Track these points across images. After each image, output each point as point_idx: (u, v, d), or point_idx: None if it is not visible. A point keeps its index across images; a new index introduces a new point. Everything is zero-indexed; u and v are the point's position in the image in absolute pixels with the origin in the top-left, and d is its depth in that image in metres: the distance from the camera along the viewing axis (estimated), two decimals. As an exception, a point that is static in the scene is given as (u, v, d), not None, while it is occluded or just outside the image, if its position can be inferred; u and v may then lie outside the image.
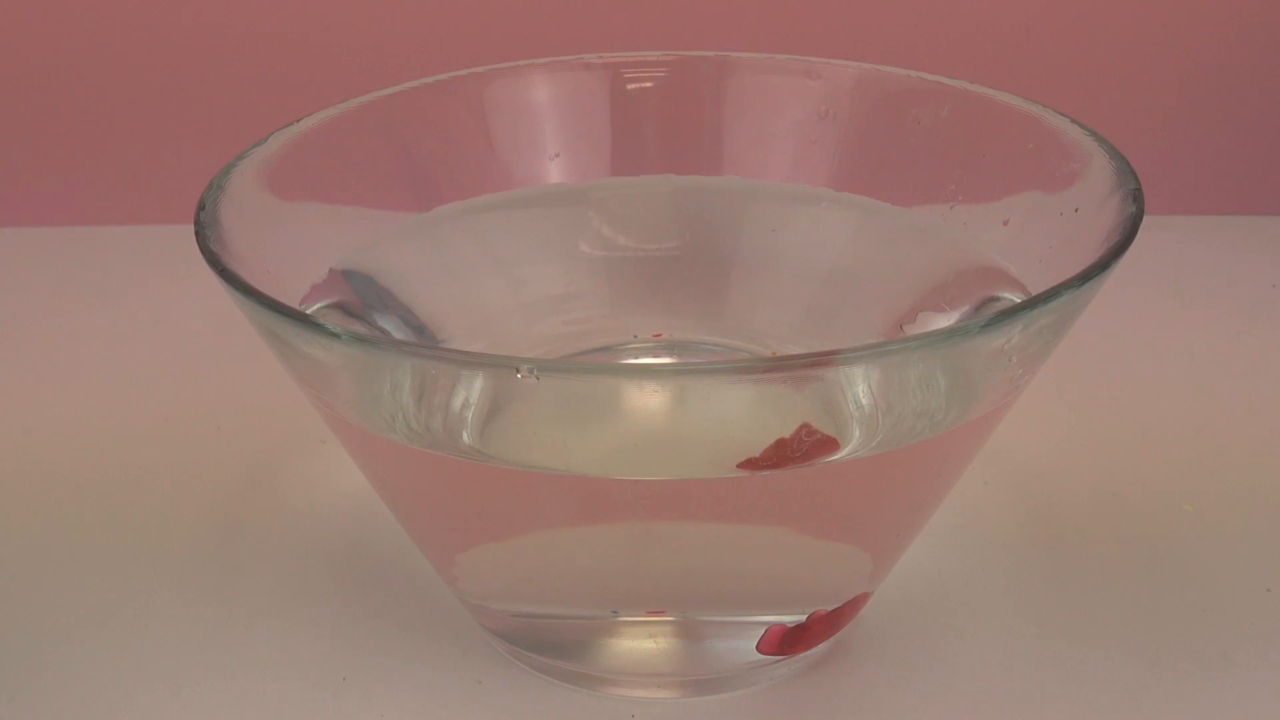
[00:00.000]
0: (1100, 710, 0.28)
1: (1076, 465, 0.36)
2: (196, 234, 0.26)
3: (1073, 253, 0.26)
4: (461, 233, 0.34)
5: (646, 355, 0.34)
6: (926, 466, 0.27)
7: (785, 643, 0.28)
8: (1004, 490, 0.35)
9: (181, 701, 0.29)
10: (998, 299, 0.30)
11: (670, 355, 0.34)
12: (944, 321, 0.31)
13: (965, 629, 0.30)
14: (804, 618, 0.28)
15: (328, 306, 0.30)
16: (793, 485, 0.26)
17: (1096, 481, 0.35)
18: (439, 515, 0.28)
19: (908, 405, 0.27)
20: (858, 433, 0.29)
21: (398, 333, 0.31)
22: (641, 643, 0.28)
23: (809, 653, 0.29)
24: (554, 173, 0.35)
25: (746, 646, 0.28)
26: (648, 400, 0.27)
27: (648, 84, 0.35)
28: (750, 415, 0.26)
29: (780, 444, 0.27)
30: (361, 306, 0.31)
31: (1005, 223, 0.31)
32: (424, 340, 0.32)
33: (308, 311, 0.29)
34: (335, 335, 0.23)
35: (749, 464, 0.25)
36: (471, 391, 0.29)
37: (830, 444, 0.28)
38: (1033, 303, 0.23)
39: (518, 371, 0.22)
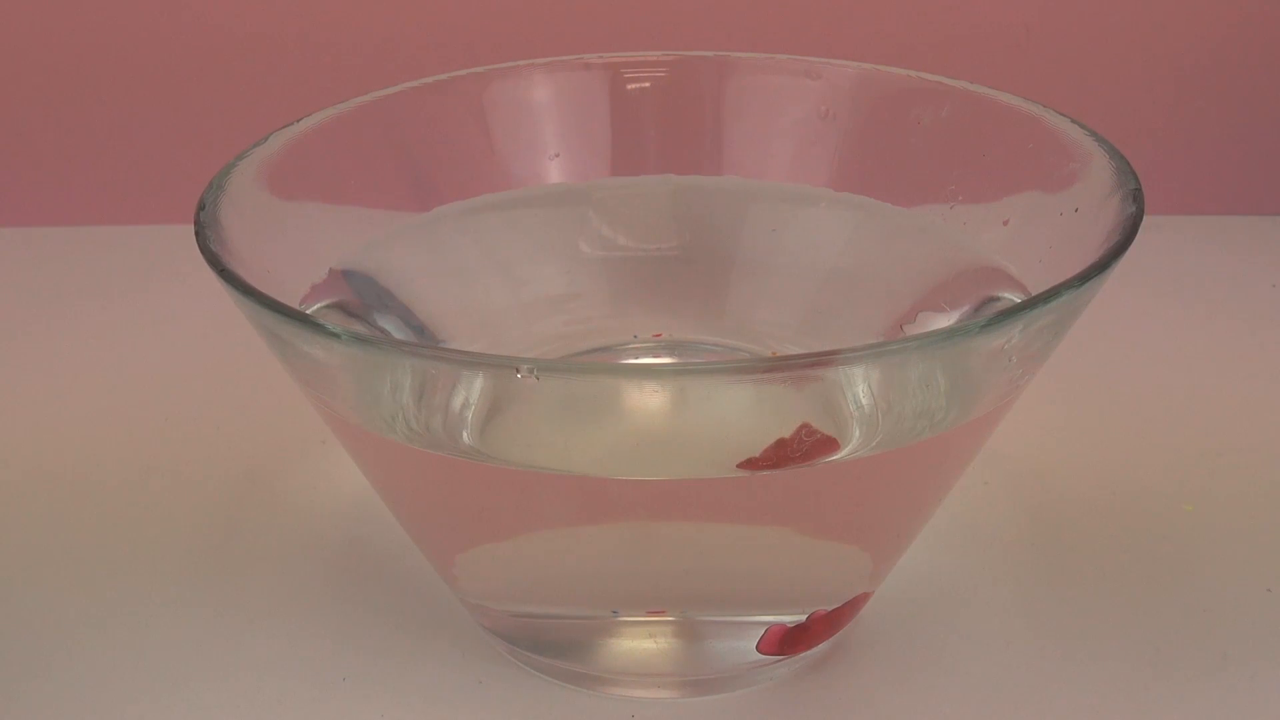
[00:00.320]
0: (1100, 710, 0.28)
1: (1076, 465, 0.36)
2: (196, 234, 0.26)
3: (1073, 253, 0.26)
4: (461, 233, 0.34)
5: (646, 355, 0.34)
6: (926, 467, 0.27)
7: (785, 643, 0.28)
8: (1004, 490, 0.35)
9: (181, 701, 0.29)
10: (998, 299, 0.30)
11: (670, 355, 0.34)
12: (944, 321, 0.31)
13: (965, 629, 0.30)
14: (804, 618, 0.28)
15: (328, 307, 0.30)
16: (793, 485, 0.26)
17: (1096, 481, 0.35)
18: (439, 515, 0.28)
19: (908, 405, 0.27)
20: (858, 433, 0.29)
21: (398, 333, 0.31)
22: (641, 643, 0.28)
23: (809, 653, 0.29)
24: (554, 173, 0.35)
25: (746, 646, 0.28)
26: (648, 400, 0.27)
27: (647, 84, 0.35)
28: (750, 415, 0.26)
29: (780, 444, 0.27)
30: (361, 307, 0.31)
31: (1005, 223, 0.31)
32: (424, 340, 0.32)
33: (308, 312, 0.29)
34: (335, 335, 0.23)
35: (749, 464, 0.25)
36: (472, 391, 0.29)
37: (830, 444, 0.28)
38: (1033, 303, 0.23)
39: (518, 371, 0.22)
